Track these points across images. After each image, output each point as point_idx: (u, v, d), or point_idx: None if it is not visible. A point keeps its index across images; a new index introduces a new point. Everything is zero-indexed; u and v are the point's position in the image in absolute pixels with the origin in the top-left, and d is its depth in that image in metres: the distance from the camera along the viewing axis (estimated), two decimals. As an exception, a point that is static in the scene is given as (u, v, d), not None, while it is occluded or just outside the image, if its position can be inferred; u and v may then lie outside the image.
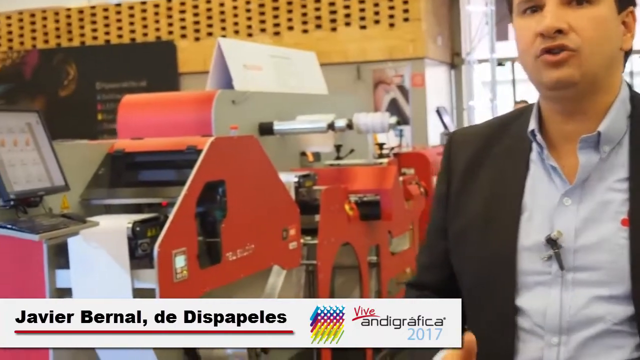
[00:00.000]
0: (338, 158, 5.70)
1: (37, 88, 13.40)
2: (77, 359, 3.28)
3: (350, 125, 5.25)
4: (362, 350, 5.04)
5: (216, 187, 3.59)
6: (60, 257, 3.27)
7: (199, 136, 3.73)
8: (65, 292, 3.27)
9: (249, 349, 4.29)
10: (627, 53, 1.73)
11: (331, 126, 5.14)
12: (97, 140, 3.85)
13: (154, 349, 3.11)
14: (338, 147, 5.66)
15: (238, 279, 3.75)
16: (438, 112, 9.01)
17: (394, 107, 10.98)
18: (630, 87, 1.73)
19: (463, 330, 1.57)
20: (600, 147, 1.66)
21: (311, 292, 4.59)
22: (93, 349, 3.09)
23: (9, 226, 2.74)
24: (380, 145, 5.85)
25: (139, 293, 3.21)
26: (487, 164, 1.79)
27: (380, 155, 5.83)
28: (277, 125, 5.05)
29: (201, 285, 3.43)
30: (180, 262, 3.27)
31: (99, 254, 3.19)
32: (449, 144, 1.88)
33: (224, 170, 3.61)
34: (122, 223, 3.20)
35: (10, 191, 2.76)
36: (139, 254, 3.25)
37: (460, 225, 1.78)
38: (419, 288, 1.91)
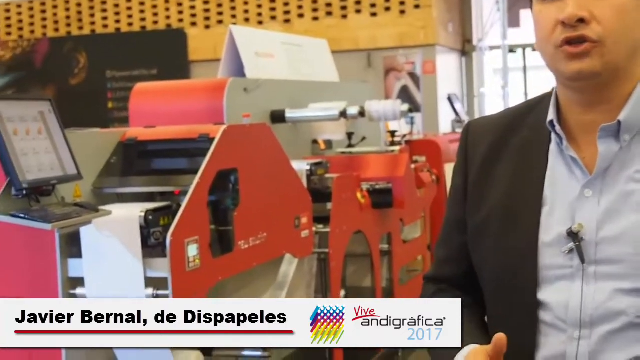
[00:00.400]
0: (350, 146, 5.68)
1: (48, 76, 13.39)
2: (92, 359, 3.28)
3: (362, 113, 5.23)
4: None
5: (229, 175, 3.58)
6: (72, 246, 3.26)
7: (211, 124, 3.72)
8: (78, 281, 3.27)
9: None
10: None
11: (343, 114, 5.12)
12: (109, 129, 3.84)
13: (172, 348, 3.10)
14: (350, 135, 5.63)
15: (250, 267, 3.74)
16: (450, 99, 8.96)
17: (405, 95, 10.94)
18: None
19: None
20: (620, 136, 1.63)
21: (323, 280, 4.58)
22: (105, 349, 3.10)
23: (22, 215, 2.74)
24: (392, 133, 5.83)
25: (151, 282, 3.20)
26: (505, 156, 1.76)
27: (392, 143, 5.81)
28: (289, 113, 5.04)
29: (213, 274, 3.42)
30: (192, 250, 3.26)
31: (111, 243, 3.18)
32: (465, 135, 1.85)
33: (237, 159, 3.60)
34: (135, 212, 3.19)
35: (23, 180, 2.75)
36: (152, 243, 3.24)
37: (480, 218, 1.75)
38: (436, 282, 1.89)
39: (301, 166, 4.49)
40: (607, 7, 1.58)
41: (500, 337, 1.53)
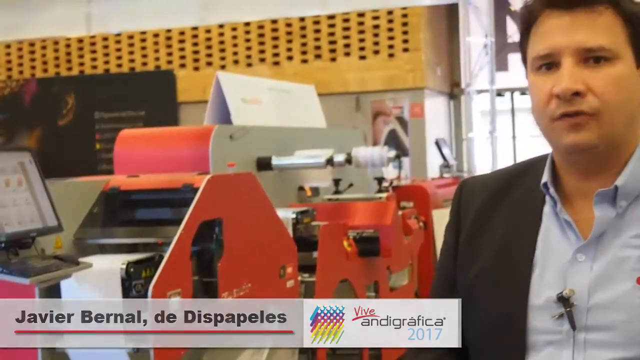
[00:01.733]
0: (337, 192, 5.64)
1: (36, 117, 13.35)
2: None
3: (349, 160, 5.21)
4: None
5: (213, 225, 3.53)
6: (53, 297, 3.20)
7: (195, 173, 3.68)
8: (58, 335, 3.20)
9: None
10: None
11: (330, 161, 5.09)
12: (92, 177, 3.79)
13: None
14: (337, 181, 5.60)
15: (234, 319, 3.68)
16: (437, 143, 8.96)
17: (393, 139, 10.94)
18: None
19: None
20: (617, 201, 1.61)
21: (309, 330, 4.52)
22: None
23: (0, 269, 2.68)
24: (379, 180, 5.79)
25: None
26: (497, 216, 1.74)
27: (380, 190, 5.77)
28: (276, 161, 5.00)
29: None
30: (175, 303, 3.20)
31: (91, 296, 3.12)
32: (459, 193, 1.83)
33: (221, 209, 3.55)
34: (116, 264, 3.14)
35: (2, 233, 2.70)
36: (134, 295, 3.18)
37: (470, 277, 1.72)
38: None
39: (287, 214, 4.45)
40: (602, 78, 1.56)
41: None
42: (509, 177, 1.78)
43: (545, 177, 1.67)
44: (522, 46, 1.68)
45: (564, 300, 1.59)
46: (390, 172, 7.29)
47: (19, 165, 2.91)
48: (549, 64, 1.60)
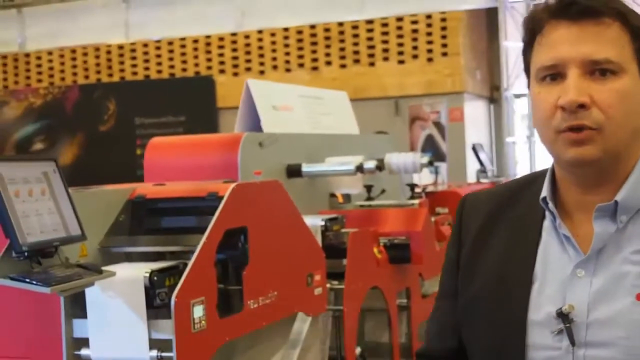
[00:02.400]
0: (369, 199, 5.63)
1: (78, 123, 13.52)
2: None
3: (379, 167, 5.19)
4: None
5: (237, 234, 3.54)
6: (78, 306, 3.23)
7: (221, 182, 3.69)
8: (83, 342, 3.23)
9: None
10: None
11: (360, 168, 5.07)
12: (118, 185, 3.82)
13: None
14: (369, 188, 5.59)
15: (260, 327, 3.69)
16: (474, 148, 8.92)
17: (430, 144, 10.90)
18: None
19: None
20: (617, 216, 1.59)
21: (338, 338, 4.52)
22: None
23: (21, 278, 2.70)
24: (412, 187, 5.78)
25: (156, 343, 3.16)
26: (499, 231, 1.73)
27: (412, 196, 5.76)
28: (306, 168, 5.00)
29: (220, 335, 3.37)
30: (198, 312, 3.21)
31: (115, 304, 3.14)
32: (461, 208, 1.82)
33: (246, 217, 3.56)
34: (140, 272, 3.15)
35: (23, 243, 2.72)
36: (157, 304, 3.19)
37: (471, 294, 1.72)
38: (428, 359, 1.84)
39: (316, 222, 4.44)
40: (607, 91, 1.55)
41: None
42: (510, 193, 1.78)
43: (545, 192, 1.66)
44: (525, 55, 1.66)
45: (563, 316, 1.57)
46: (426, 178, 7.28)
47: (42, 175, 2.93)
48: (554, 74, 1.58)
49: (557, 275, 1.62)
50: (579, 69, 1.55)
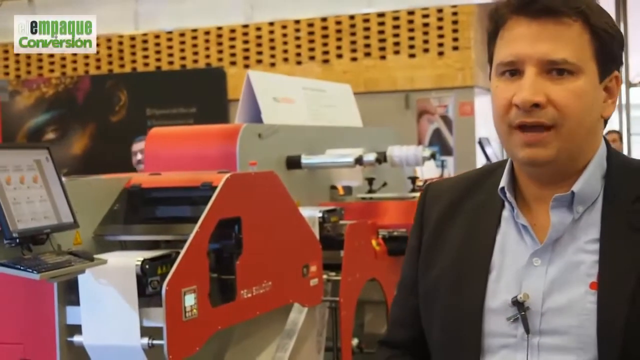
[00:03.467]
0: (371, 191, 5.65)
1: (89, 113, 13.55)
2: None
3: (379, 160, 5.21)
4: None
5: (231, 223, 3.57)
6: (72, 293, 3.27)
7: (216, 172, 3.71)
8: (76, 329, 3.27)
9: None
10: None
11: (359, 160, 5.08)
12: (114, 174, 3.85)
13: None
14: (370, 180, 5.60)
15: (253, 317, 3.72)
16: (480, 143, 8.91)
17: (437, 138, 10.89)
18: (608, 146, 1.68)
19: None
20: (573, 207, 1.61)
21: (334, 329, 4.54)
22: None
23: (10, 265, 2.74)
24: (413, 179, 5.79)
25: (147, 331, 3.19)
26: (458, 219, 1.75)
27: (413, 189, 5.77)
28: (305, 159, 5.02)
29: (212, 324, 3.40)
30: (190, 300, 3.24)
31: (108, 292, 3.18)
32: (423, 196, 1.85)
33: (240, 207, 3.59)
34: (132, 260, 3.19)
35: (14, 229, 2.76)
36: (149, 292, 3.23)
37: (429, 282, 1.75)
38: (390, 346, 1.86)
39: (314, 213, 4.47)
40: (564, 91, 1.56)
41: None
42: (471, 181, 1.80)
43: (503, 182, 1.68)
44: (489, 47, 1.68)
45: (518, 304, 1.60)
46: (432, 172, 7.28)
47: (34, 162, 2.97)
48: (513, 71, 1.60)
49: (514, 264, 1.65)
50: (536, 67, 1.57)
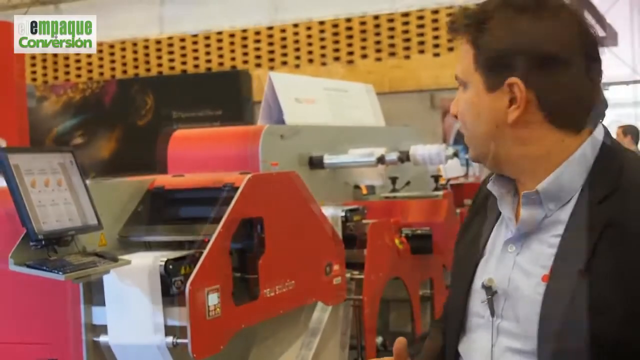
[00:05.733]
0: (394, 190, 5.68)
1: (116, 117, 13.67)
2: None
3: (402, 159, 5.23)
4: None
5: (253, 223, 3.61)
6: (97, 293, 3.32)
7: (238, 173, 3.76)
8: (102, 329, 3.32)
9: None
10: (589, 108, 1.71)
11: (381, 160, 5.12)
12: (138, 177, 3.90)
13: None
14: (394, 180, 5.63)
15: (276, 315, 3.76)
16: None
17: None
18: (604, 142, 1.72)
19: None
20: (544, 204, 1.69)
21: (359, 327, 4.57)
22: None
23: (36, 266, 2.80)
24: (436, 178, 5.81)
25: (172, 330, 3.24)
26: (481, 209, 1.90)
27: (436, 188, 5.79)
28: (327, 159, 5.06)
29: (236, 322, 3.44)
30: (213, 299, 3.29)
31: (132, 292, 3.23)
32: (478, 190, 1.99)
33: (262, 207, 3.63)
34: (156, 261, 3.23)
35: (39, 231, 2.81)
36: (173, 291, 3.28)
37: (453, 267, 1.94)
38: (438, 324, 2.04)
39: (336, 212, 4.50)
40: (462, 102, 1.76)
41: (399, 342, 1.77)
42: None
43: (492, 176, 1.82)
44: None
45: (486, 288, 1.71)
46: (457, 170, 7.29)
47: (59, 166, 3.02)
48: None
49: (497, 250, 1.77)
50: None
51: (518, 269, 1.69)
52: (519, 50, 1.67)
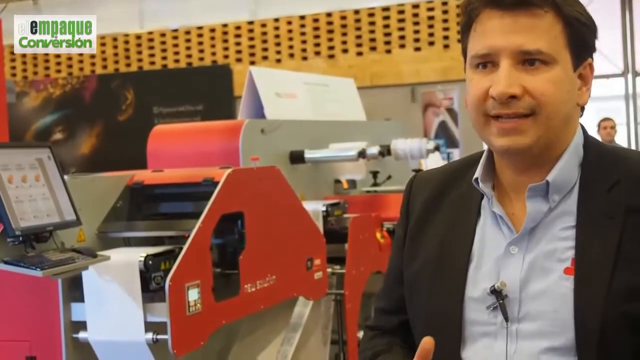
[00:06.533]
0: (375, 184, 5.67)
1: (96, 113, 13.58)
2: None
3: (382, 153, 5.22)
4: None
5: (234, 218, 3.59)
6: (76, 290, 3.30)
7: (217, 168, 3.74)
8: (81, 325, 3.30)
9: None
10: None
11: (362, 154, 5.10)
12: (117, 172, 3.88)
13: None
14: (375, 174, 5.62)
15: (257, 310, 3.74)
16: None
17: (443, 130, 10.88)
18: (585, 133, 1.69)
19: None
20: (549, 196, 1.63)
21: (340, 322, 4.57)
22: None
23: (14, 262, 2.77)
24: (417, 172, 5.81)
25: (152, 326, 3.22)
26: (441, 210, 1.77)
27: (417, 182, 5.78)
28: (308, 154, 5.05)
29: (216, 318, 3.43)
30: (193, 295, 3.27)
31: (112, 288, 3.21)
32: (409, 187, 1.86)
33: (242, 202, 3.61)
34: (135, 256, 3.22)
35: (16, 227, 2.79)
36: (153, 287, 3.26)
37: (413, 272, 1.76)
38: (375, 331, 1.89)
39: (317, 207, 4.49)
40: (540, 80, 1.57)
41: (426, 340, 1.53)
42: (455, 172, 1.80)
43: (477, 173, 1.69)
44: (462, 39, 1.69)
45: (496, 292, 1.61)
46: (438, 164, 7.28)
47: (36, 161, 3.00)
48: (487, 63, 1.61)
49: (492, 253, 1.66)
50: (511, 59, 1.58)
51: (532, 268, 1.61)
52: (593, 31, 1.64)
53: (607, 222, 1.58)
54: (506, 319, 1.61)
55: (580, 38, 1.62)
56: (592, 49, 1.65)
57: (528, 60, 1.58)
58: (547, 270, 1.60)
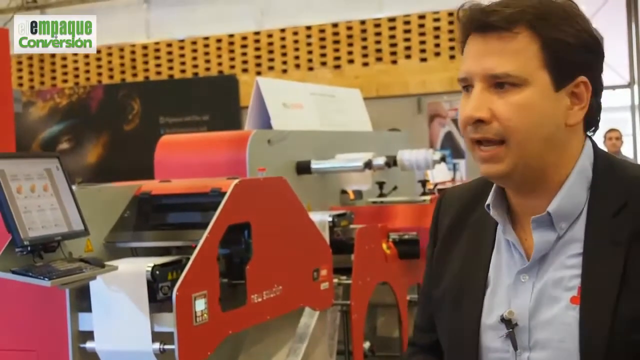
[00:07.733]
0: (381, 195, 5.67)
1: (103, 123, 13.62)
2: None
3: (389, 164, 5.23)
4: None
5: (241, 229, 3.60)
6: (84, 300, 3.30)
7: (225, 178, 3.75)
8: (89, 335, 3.30)
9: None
10: (597, 110, 1.65)
11: (368, 164, 5.11)
12: (124, 182, 3.89)
13: None
14: (381, 184, 5.63)
15: (264, 321, 3.75)
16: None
17: (449, 141, 10.90)
18: (596, 152, 1.67)
19: None
20: (555, 224, 1.62)
21: (346, 332, 4.57)
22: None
23: (22, 272, 2.78)
24: (423, 183, 5.81)
25: (159, 336, 3.22)
26: (463, 233, 1.77)
27: (424, 193, 5.79)
28: (315, 164, 5.06)
29: (223, 328, 3.43)
30: (200, 305, 3.27)
31: (119, 298, 3.21)
32: (438, 205, 1.86)
33: (249, 213, 3.62)
34: (142, 266, 3.22)
35: (25, 237, 2.79)
36: (160, 297, 3.26)
37: (438, 294, 1.78)
38: (417, 347, 1.92)
39: (323, 218, 4.50)
40: (507, 104, 1.56)
41: None
42: (477, 191, 1.79)
43: (489, 199, 1.69)
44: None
45: (506, 321, 1.62)
46: (444, 175, 7.29)
47: (45, 171, 3.00)
48: (468, 86, 1.62)
49: (505, 280, 1.66)
50: (483, 82, 1.58)
51: (540, 297, 1.60)
52: (587, 47, 1.60)
53: (612, 250, 1.57)
54: (515, 347, 1.61)
55: (563, 57, 1.58)
56: (585, 66, 1.61)
57: (498, 83, 1.57)
58: (554, 299, 1.60)
